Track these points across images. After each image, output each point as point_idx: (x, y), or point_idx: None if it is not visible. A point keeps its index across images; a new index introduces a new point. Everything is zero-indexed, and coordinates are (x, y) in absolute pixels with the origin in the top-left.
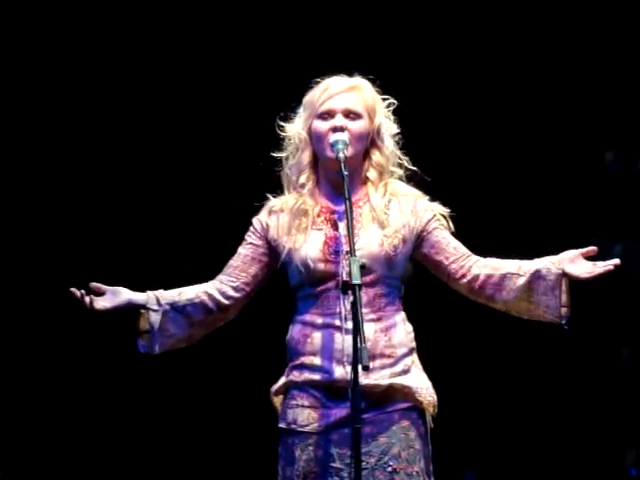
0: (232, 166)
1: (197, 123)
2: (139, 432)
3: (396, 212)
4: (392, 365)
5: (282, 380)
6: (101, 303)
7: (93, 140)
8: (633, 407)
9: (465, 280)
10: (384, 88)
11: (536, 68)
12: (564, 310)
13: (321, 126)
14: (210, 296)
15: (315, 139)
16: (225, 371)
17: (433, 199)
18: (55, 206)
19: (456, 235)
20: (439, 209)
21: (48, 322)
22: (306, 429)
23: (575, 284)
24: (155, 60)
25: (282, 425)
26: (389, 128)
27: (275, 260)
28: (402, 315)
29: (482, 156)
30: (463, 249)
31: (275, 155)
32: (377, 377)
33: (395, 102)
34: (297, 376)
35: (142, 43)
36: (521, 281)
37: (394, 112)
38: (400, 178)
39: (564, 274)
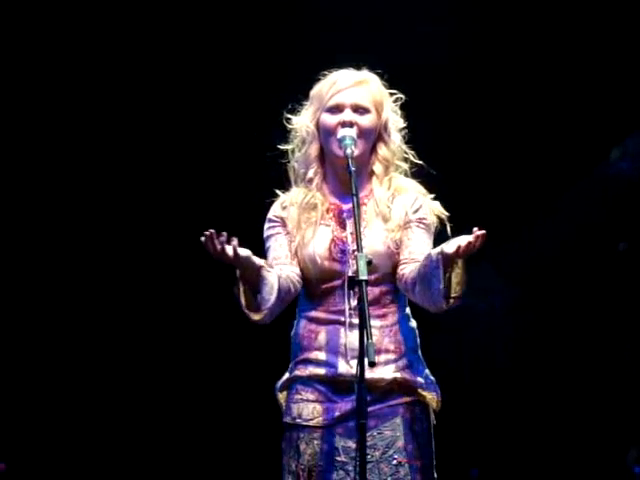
0: (239, 159)
1: (202, 119)
2: (140, 430)
3: (398, 207)
4: (396, 360)
5: (286, 375)
6: (240, 251)
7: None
8: (636, 405)
9: (399, 281)
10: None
11: (537, 71)
12: (442, 288)
13: (330, 120)
14: (288, 277)
15: (323, 133)
16: (229, 368)
17: (436, 197)
18: (50, 207)
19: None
20: (437, 210)
21: (46, 321)
22: (311, 423)
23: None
24: (156, 54)
25: (287, 420)
26: (396, 122)
27: None
28: (407, 312)
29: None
30: (417, 256)
31: (281, 147)
32: (382, 371)
33: (402, 96)
34: (302, 371)
35: (142, 41)
36: (418, 267)
37: (401, 107)
38: (405, 172)
39: (442, 254)
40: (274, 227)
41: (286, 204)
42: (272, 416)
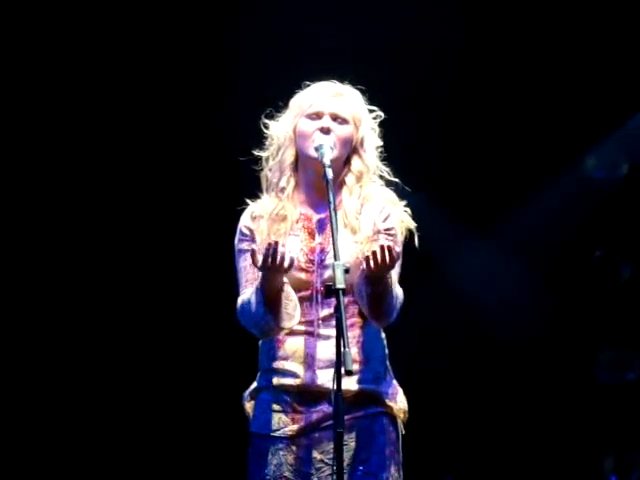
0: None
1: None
2: (111, 435)
3: (367, 216)
4: (363, 371)
5: (254, 385)
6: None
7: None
8: (610, 413)
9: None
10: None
11: (516, 76)
12: (366, 305)
13: (307, 125)
14: None
15: (300, 138)
16: (198, 377)
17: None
18: (50, 207)
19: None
20: (407, 221)
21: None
22: (277, 433)
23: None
24: (148, 60)
25: (253, 429)
26: (373, 140)
27: None
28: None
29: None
30: (393, 274)
31: (256, 154)
32: (348, 383)
33: (382, 114)
34: (269, 381)
35: (130, 48)
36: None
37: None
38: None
39: (362, 269)
40: (244, 241)
41: (255, 214)
42: (239, 425)
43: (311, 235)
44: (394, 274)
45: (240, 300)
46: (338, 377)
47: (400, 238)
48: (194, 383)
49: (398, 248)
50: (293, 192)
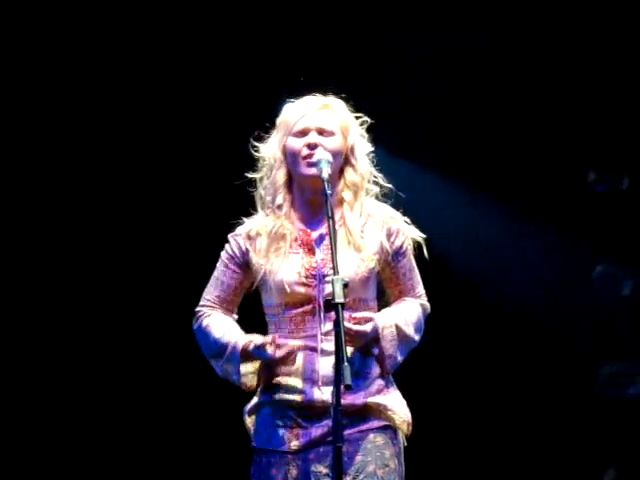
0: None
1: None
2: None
3: (371, 233)
4: (368, 385)
5: (255, 400)
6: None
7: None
8: (611, 427)
9: None
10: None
11: (516, 91)
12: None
13: (295, 143)
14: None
15: (290, 157)
16: (198, 391)
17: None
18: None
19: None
20: (413, 233)
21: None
22: (281, 448)
23: None
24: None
25: (257, 445)
26: (363, 146)
27: (251, 283)
28: None
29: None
30: (416, 287)
31: (249, 176)
32: (352, 396)
33: (369, 120)
34: (272, 396)
35: (144, 52)
36: None
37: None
38: (376, 196)
39: None
40: (229, 259)
41: (252, 233)
42: (241, 440)
43: (311, 251)
44: (410, 291)
45: (206, 322)
46: (337, 392)
47: (409, 250)
48: (193, 397)
49: (412, 259)
50: (289, 210)
